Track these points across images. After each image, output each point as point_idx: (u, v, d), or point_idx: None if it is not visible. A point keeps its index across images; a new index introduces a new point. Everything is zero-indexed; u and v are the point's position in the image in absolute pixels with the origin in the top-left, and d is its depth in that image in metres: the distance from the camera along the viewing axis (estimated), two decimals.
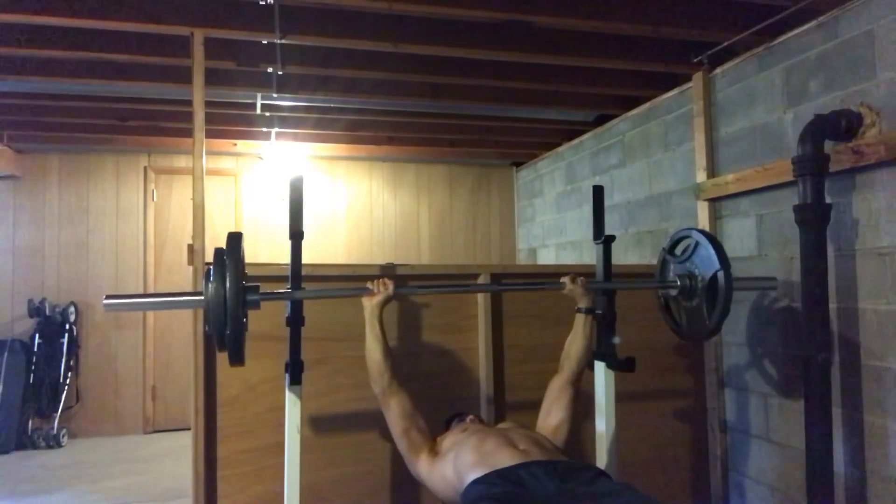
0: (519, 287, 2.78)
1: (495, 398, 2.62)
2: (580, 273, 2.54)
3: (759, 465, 2.81)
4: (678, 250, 2.39)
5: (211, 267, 1.67)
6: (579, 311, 2.19)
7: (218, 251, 1.69)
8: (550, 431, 2.02)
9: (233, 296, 1.60)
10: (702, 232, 2.30)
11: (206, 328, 1.71)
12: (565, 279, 2.19)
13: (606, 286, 2.25)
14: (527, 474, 1.61)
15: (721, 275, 2.13)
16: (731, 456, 2.97)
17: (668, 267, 2.42)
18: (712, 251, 2.18)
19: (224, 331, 1.61)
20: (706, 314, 2.20)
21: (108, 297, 1.69)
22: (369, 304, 2.03)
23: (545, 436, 1.97)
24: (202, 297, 1.69)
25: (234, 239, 1.69)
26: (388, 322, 2.49)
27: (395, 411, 1.98)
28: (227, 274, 1.61)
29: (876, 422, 2.23)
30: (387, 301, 2.04)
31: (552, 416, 2.07)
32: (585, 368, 2.17)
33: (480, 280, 2.63)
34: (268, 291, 1.85)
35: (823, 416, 2.26)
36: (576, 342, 2.16)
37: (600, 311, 2.21)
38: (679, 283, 2.30)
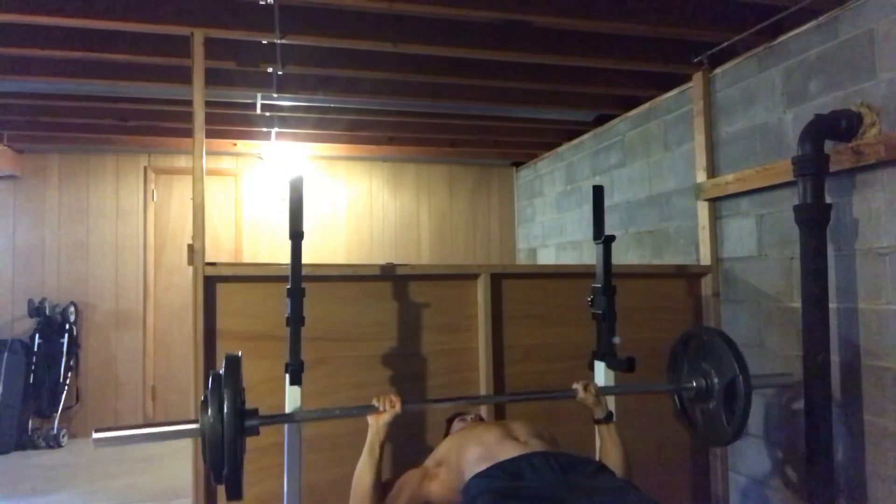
0: (527, 398, 2.53)
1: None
2: (581, 273, 2.54)
3: (759, 465, 2.81)
4: (691, 346, 2.30)
5: (207, 395, 1.59)
6: (598, 422, 2.00)
7: (215, 377, 1.61)
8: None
9: (230, 429, 1.52)
10: (716, 331, 2.25)
11: (203, 460, 1.61)
12: (577, 386, 2.01)
13: (616, 391, 2.17)
14: (528, 466, 1.61)
15: (740, 380, 2.04)
16: (731, 456, 2.97)
17: (681, 363, 2.32)
18: (729, 354, 2.08)
19: (222, 468, 1.54)
20: (725, 420, 2.11)
21: (97, 430, 1.60)
22: (375, 424, 1.82)
23: (546, 427, 1.97)
24: (197, 427, 1.61)
25: (233, 363, 1.62)
26: (388, 322, 2.50)
27: None
28: (225, 404, 1.54)
29: (876, 422, 2.23)
30: (394, 420, 1.84)
31: None
32: (633, 470, 1.97)
33: (480, 280, 2.63)
34: (267, 415, 1.77)
35: (823, 416, 2.26)
36: (610, 456, 1.93)
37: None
38: (695, 384, 2.20)
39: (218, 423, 1.53)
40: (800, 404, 2.43)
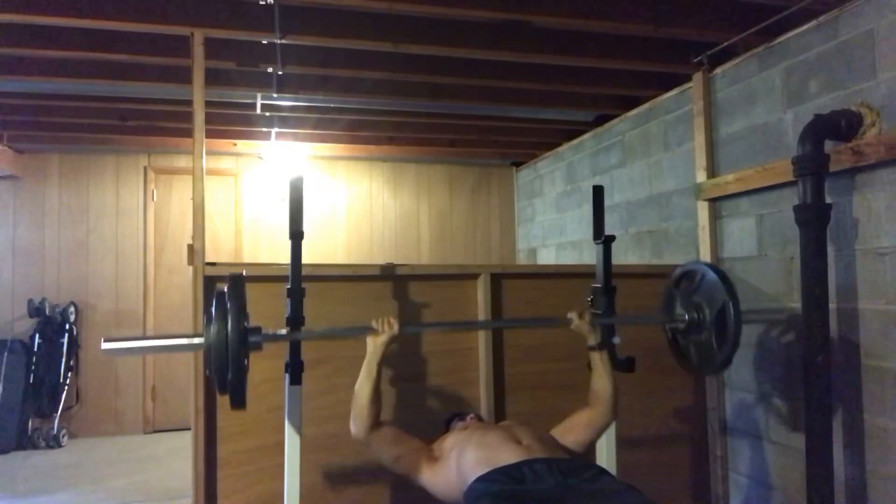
0: (524, 324, 2.70)
1: (495, 398, 2.62)
2: (581, 273, 2.54)
3: (759, 465, 2.81)
4: (683, 284, 2.34)
5: (212, 309, 1.63)
6: (592, 349, 2.09)
7: (219, 293, 1.65)
8: (565, 442, 1.95)
9: (234, 339, 1.56)
10: (707, 264, 2.29)
11: (207, 371, 1.66)
12: (572, 315, 2.11)
13: (613, 321, 2.20)
14: (529, 471, 1.61)
15: (730, 306, 2.10)
16: (731, 456, 2.97)
17: (674, 301, 2.36)
18: (719, 283, 2.14)
19: (226, 375, 1.57)
20: (716, 347, 2.16)
21: (106, 339, 1.66)
22: (373, 344, 1.92)
23: (548, 433, 1.96)
24: (203, 341, 1.65)
25: (237, 280, 1.65)
26: None
27: (379, 448, 1.88)
28: (229, 316, 1.57)
29: (876, 422, 2.23)
30: (392, 341, 1.94)
31: (571, 437, 1.97)
32: (618, 402, 2.05)
33: (480, 280, 2.63)
34: (270, 333, 1.81)
35: (823, 416, 2.26)
36: (599, 380, 2.04)
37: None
38: (687, 316, 2.25)
39: (223, 335, 1.57)
40: (800, 403, 2.43)
